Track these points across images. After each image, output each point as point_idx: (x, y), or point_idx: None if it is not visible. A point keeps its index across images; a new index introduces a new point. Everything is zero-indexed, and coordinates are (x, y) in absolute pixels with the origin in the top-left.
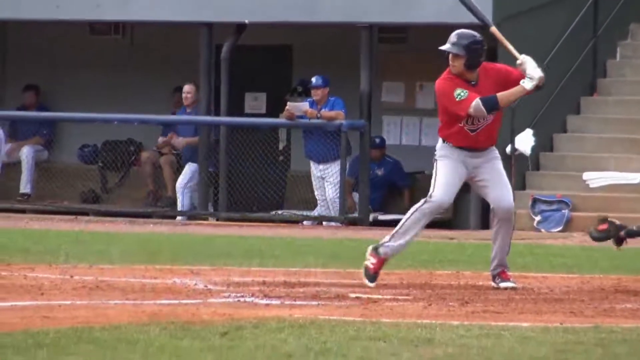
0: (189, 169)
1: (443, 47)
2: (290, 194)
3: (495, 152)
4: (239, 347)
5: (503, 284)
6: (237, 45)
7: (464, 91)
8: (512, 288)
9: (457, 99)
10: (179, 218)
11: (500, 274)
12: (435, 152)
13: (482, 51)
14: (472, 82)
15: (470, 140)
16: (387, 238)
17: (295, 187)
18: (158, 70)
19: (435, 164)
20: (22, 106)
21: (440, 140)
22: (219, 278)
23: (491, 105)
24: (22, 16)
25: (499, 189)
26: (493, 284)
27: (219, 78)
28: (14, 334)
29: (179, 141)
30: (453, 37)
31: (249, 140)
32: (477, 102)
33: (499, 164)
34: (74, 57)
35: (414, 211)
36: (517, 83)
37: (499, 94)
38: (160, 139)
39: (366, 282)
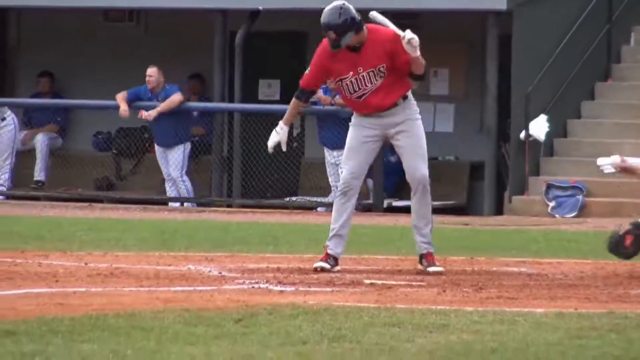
0: (178, 154)
1: (328, 25)
2: (304, 180)
3: (409, 112)
4: (254, 333)
5: (431, 269)
6: (251, 32)
7: (310, 69)
8: (439, 273)
9: (306, 70)
10: (186, 204)
11: (425, 256)
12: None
13: (360, 21)
14: (357, 47)
15: (364, 107)
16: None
17: (309, 173)
18: (172, 57)
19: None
20: (37, 93)
21: None
22: (233, 265)
23: (295, 94)
24: (36, 3)
25: (412, 159)
26: (420, 266)
27: (233, 65)
28: (28, 321)
29: (150, 114)
30: (329, 13)
31: (262, 127)
32: (299, 86)
33: (416, 128)
34: (88, 44)
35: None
36: (403, 65)
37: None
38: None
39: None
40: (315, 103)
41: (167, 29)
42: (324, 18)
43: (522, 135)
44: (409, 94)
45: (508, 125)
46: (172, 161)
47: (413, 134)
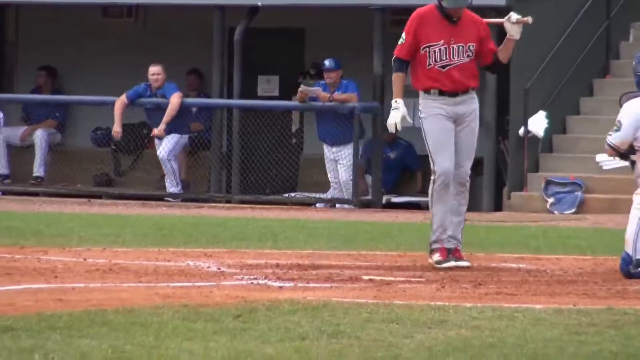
0: (171, 138)
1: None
2: (303, 176)
3: (476, 107)
4: (252, 329)
5: (460, 263)
6: (249, 28)
7: (404, 38)
8: (464, 267)
9: (400, 40)
10: (169, 187)
11: (453, 252)
12: (420, 111)
13: None
14: (454, 19)
15: (445, 78)
16: (431, 237)
17: (308, 169)
18: (171, 53)
19: (422, 125)
20: (36, 88)
21: (420, 94)
22: (232, 260)
23: (395, 67)
24: None
25: (463, 156)
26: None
27: (232, 61)
28: (27, 316)
29: (158, 132)
30: None
31: (261, 123)
32: (396, 57)
33: (476, 126)
34: (86, 40)
35: (430, 196)
36: (488, 53)
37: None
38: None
39: (452, 263)
40: (314, 99)
41: (165, 25)
42: None
43: (521, 131)
44: (476, 89)
45: (507, 122)
46: (165, 143)
47: (474, 130)
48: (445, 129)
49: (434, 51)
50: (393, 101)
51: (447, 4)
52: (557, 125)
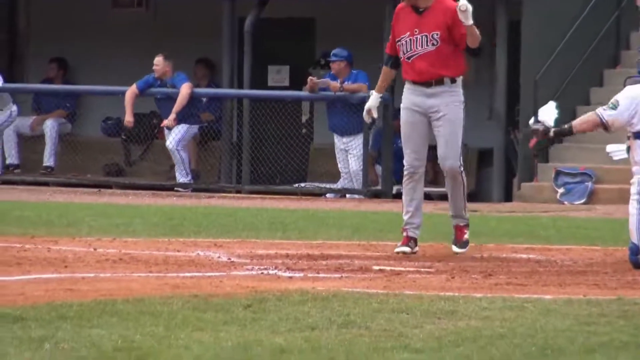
0: (180, 128)
1: None
2: (313, 166)
3: (453, 99)
4: (263, 319)
5: (455, 249)
6: (260, 18)
7: (391, 35)
8: (462, 253)
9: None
10: (179, 178)
11: (455, 229)
12: None
13: None
14: (420, 10)
15: (410, 69)
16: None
17: (318, 159)
18: (181, 43)
19: None
20: (47, 79)
21: None
22: (242, 251)
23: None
24: None
25: (444, 147)
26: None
27: (242, 51)
28: (37, 306)
29: (169, 122)
30: None
31: (271, 113)
32: (386, 55)
33: (456, 116)
34: (97, 30)
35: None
36: (461, 37)
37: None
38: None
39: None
40: (324, 89)
41: (176, 14)
42: None
43: (531, 121)
44: (459, 79)
45: (517, 112)
46: (173, 133)
47: (452, 122)
48: (412, 123)
49: (402, 43)
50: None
51: None
52: (567, 116)
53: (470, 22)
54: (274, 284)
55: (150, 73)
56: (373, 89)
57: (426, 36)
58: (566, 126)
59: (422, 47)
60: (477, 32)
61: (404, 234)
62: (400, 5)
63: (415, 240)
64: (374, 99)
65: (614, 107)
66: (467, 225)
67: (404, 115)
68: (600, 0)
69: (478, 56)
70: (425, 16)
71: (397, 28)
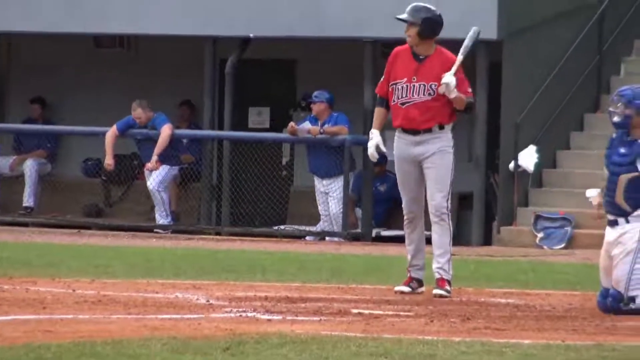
0: (161, 170)
1: (400, 16)
2: (293, 209)
3: (442, 145)
4: None
5: (435, 291)
6: (241, 60)
7: (383, 75)
8: (442, 296)
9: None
10: (159, 219)
11: (437, 281)
12: None
13: (436, 24)
14: (421, 57)
15: (403, 116)
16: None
17: (298, 202)
18: (163, 83)
19: None
20: (28, 119)
21: None
22: (221, 293)
23: (376, 102)
24: (27, 29)
25: (432, 189)
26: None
27: (223, 92)
28: (15, 347)
29: (152, 166)
30: (409, 7)
31: (252, 155)
32: (378, 97)
33: (445, 160)
34: (78, 70)
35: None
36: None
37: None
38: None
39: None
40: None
41: (157, 55)
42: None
43: (511, 165)
44: (448, 126)
45: (497, 155)
46: (155, 174)
47: (441, 165)
48: (405, 172)
49: (398, 88)
50: (370, 133)
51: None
52: (547, 160)
53: (454, 95)
54: (253, 326)
55: (131, 114)
56: (353, 131)
57: (424, 85)
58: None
59: (418, 95)
60: (463, 97)
61: (408, 274)
62: (399, 48)
63: (419, 280)
64: (377, 136)
65: None
66: (449, 281)
67: (397, 163)
68: (581, 44)
69: (468, 113)
70: (425, 65)
71: (394, 71)
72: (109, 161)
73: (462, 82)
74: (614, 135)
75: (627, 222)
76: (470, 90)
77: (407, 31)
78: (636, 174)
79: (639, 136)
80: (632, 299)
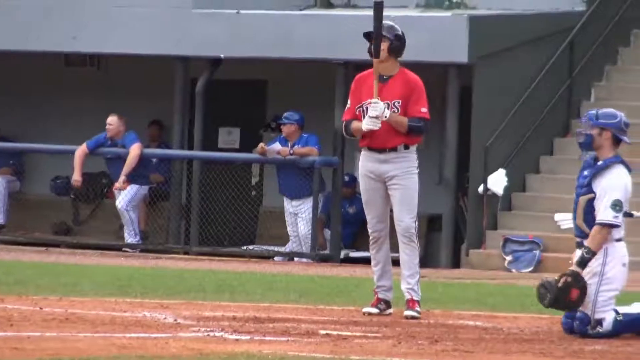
0: (130, 189)
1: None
2: (262, 229)
3: (407, 165)
4: None
5: (406, 312)
6: (212, 80)
7: (348, 102)
8: (413, 317)
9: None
10: (128, 238)
11: (407, 302)
12: None
13: (404, 43)
14: (385, 77)
15: (369, 136)
16: None
17: (267, 222)
18: (133, 102)
19: None
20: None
21: None
22: (189, 312)
23: (345, 130)
24: None
25: (399, 209)
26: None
27: (193, 112)
28: None
29: (120, 185)
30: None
31: (221, 175)
32: (345, 122)
33: (411, 181)
34: (49, 88)
35: None
36: (410, 113)
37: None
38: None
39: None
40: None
41: (128, 74)
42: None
43: (481, 188)
44: (413, 146)
45: (466, 179)
46: (123, 193)
47: (406, 186)
48: (371, 189)
49: (364, 109)
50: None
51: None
52: (516, 183)
53: (383, 119)
54: (221, 346)
55: (102, 132)
56: (323, 152)
57: (388, 104)
58: (586, 254)
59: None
60: (399, 120)
61: (375, 295)
62: (362, 74)
63: (387, 302)
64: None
65: (620, 208)
66: (419, 302)
67: (362, 182)
68: (552, 69)
69: (417, 135)
70: (389, 84)
71: (359, 95)
72: (76, 177)
73: (417, 100)
74: (587, 157)
75: None
76: (424, 110)
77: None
78: (592, 194)
79: (602, 157)
80: (599, 322)
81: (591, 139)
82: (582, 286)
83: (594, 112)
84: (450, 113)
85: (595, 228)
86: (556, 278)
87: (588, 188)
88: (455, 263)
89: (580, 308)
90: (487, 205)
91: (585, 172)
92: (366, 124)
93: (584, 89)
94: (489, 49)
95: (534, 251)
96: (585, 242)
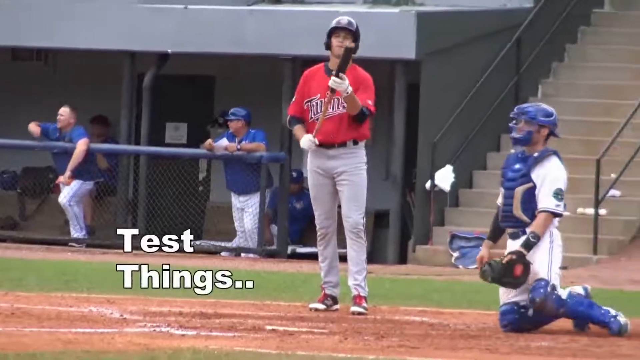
0: (74, 184)
1: (342, 24)
2: (209, 224)
3: (356, 161)
4: None
5: (352, 308)
6: (159, 75)
7: (294, 96)
8: (360, 313)
9: (294, 98)
10: (74, 233)
11: (354, 298)
12: None
13: (359, 41)
14: (334, 73)
15: (317, 133)
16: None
17: (214, 217)
18: (81, 97)
19: None
20: None
21: None
22: (136, 307)
23: (290, 124)
24: None
25: (347, 206)
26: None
27: (140, 107)
28: None
29: (64, 180)
30: (344, 20)
31: (168, 170)
32: (290, 117)
33: (359, 177)
34: None
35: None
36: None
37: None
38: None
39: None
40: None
41: (75, 69)
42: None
43: (428, 185)
44: (362, 142)
45: (414, 175)
46: (67, 188)
47: (355, 182)
48: (319, 185)
49: (313, 105)
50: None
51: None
52: (463, 180)
53: (345, 94)
54: (167, 341)
55: (53, 123)
56: (270, 148)
57: (338, 99)
58: (532, 239)
59: (333, 109)
60: (356, 100)
61: (322, 291)
62: (311, 69)
63: (333, 298)
64: (306, 134)
65: (562, 197)
66: (366, 298)
67: (310, 178)
68: (499, 65)
69: (360, 122)
70: None
71: (308, 90)
72: (34, 128)
73: (365, 91)
74: (509, 155)
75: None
76: (370, 102)
77: (343, 40)
78: (530, 184)
79: (533, 152)
80: (554, 287)
81: (531, 136)
82: (526, 264)
83: (531, 109)
84: (397, 109)
85: (541, 215)
86: (501, 258)
87: (526, 178)
88: (402, 259)
89: (533, 278)
90: (434, 202)
91: (517, 165)
92: (303, 143)
93: (531, 86)
94: (437, 46)
95: (481, 247)
96: (530, 228)
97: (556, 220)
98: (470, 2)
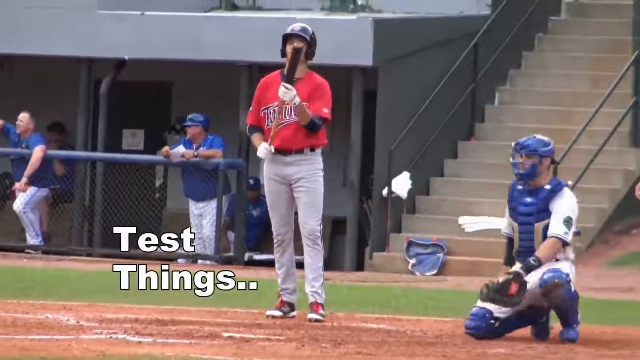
0: (28, 191)
1: (294, 31)
2: (166, 231)
3: (312, 168)
4: None
5: (310, 315)
6: (116, 81)
7: (252, 105)
8: (317, 320)
9: (251, 106)
10: (30, 239)
11: (311, 305)
12: None
13: (315, 47)
14: (292, 81)
15: (276, 137)
16: None
17: (171, 224)
18: (38, 103)
19: None
20: None
21: None
22: (92, 314)
23: (249, 132)
24: None
25: (304, 212)
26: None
27: (97, 113)
28: None
29: (20, 187)
30: (298, 26)
31: (125, 177)
32: (249, 125)
33: (316, 184)
34: None
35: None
36: (312, 111)
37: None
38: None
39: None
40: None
41: (33, 75)
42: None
43: (385, 191)
44: (318, 149)
45: (371, 181)
46: (21, 195)
47: (312, 189)
48: (275, 192)
49: (270, 112)
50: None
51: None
52: (420, 186)
53: (294, 105)
54: (123, 348)
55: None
56: (228, 154)
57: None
58: (533, 262)
59: (290, 116)
60: (306, 111)
61: (279, 298)
62: (269, 76)
63: (290, 304)
64: (263, 143)
65: (571, 225)
66: (323, 305)
67: (266, 184)
68: (456, 72)
69: (314, 131)
70: (297, 87)
71: (265, 97)
72: None
73: (320, 98)
74: (512, 186)
75: None
76: (326, 111)
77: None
78: (549, 220)
79: (540, 184)
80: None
81: (535, 169)
82: (523, 283)
83: (530, 142)
84: (355, 116)
85: (549, 240)
86: (497, 279)
87: (544, 214)
88: (359, 266)
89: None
90: (391, 208)
91: (529, 199)
92: (259, 152)
93: (488, 93)
94: (394, 53)
95: (438, 254)
96: (536, 253)
97: (570, 252)
98: (428, 9)
